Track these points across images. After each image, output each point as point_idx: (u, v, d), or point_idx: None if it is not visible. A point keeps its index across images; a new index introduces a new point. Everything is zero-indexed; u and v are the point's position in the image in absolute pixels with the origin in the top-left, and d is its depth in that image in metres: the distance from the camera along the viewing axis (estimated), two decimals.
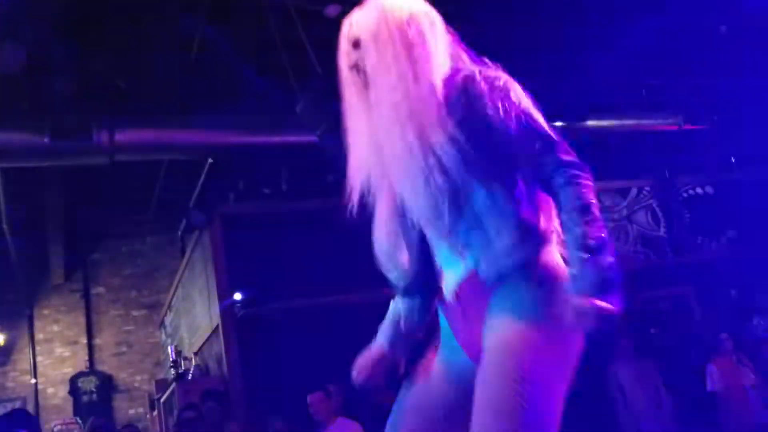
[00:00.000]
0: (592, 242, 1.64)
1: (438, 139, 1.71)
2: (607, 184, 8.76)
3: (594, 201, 1.70)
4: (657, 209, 8.83)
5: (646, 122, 8.41)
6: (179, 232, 9.74)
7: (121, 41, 6.06)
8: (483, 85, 1.76)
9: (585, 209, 1.68)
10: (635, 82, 8.30)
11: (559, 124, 7.73)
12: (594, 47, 7.19)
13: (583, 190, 1.70)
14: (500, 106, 1.73)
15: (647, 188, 8.89)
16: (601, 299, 1.58)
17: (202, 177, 7.65)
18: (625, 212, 8.69)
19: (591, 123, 8.03)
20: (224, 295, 6.77)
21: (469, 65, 1.84)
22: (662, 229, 8.77)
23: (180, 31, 6.02)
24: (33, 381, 10.05)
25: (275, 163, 7.55)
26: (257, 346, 6.72)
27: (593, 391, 7.03)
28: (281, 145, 6.72)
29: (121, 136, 6.11)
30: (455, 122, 1.72)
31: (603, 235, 1.66)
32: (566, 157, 1.74)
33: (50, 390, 10.12)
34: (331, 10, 5.15)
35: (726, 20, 7.09)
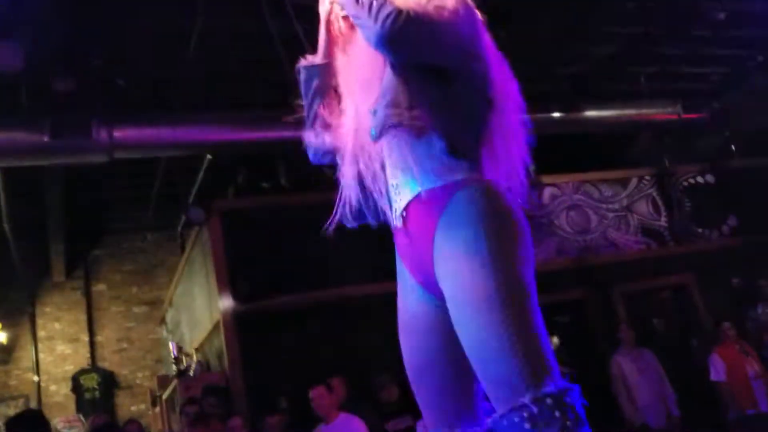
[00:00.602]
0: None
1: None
2: (606, 174, 8.75)
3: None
4: (657, 198, 8.82)
5: (646, 111, 8.38)
6: (179, 228, 9.74)
7: (120, 37, 6.04)
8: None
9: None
10: (634, 72, 8.28)
11: (557, 114, 7.72)
12: (591, 35, 7.17)
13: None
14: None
15: (647, 177, 8.88)
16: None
17: (201, 173, 7.65)
18: (625, 202, 8.67)
19: (590, 113, 8.01)
20: (224, 290, 6.76)
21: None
22: (663, 219, 8.76)
23: (177, 25, 6.00)
24: (35, 378, 10.06)
25: (274, 158, 7.55)
26: (258, 340, 6.71)
27: (596, 384, 7.03)
28: (280, 140, 6.71)
29: (120, 134, 6.11)
30: None
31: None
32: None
33: (52, 387, 10.13)
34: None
35: (724, 7, 7.04)
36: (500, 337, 1.61)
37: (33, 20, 5.28)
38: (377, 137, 1.91)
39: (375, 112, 1.92)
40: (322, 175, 7.48)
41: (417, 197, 1.84)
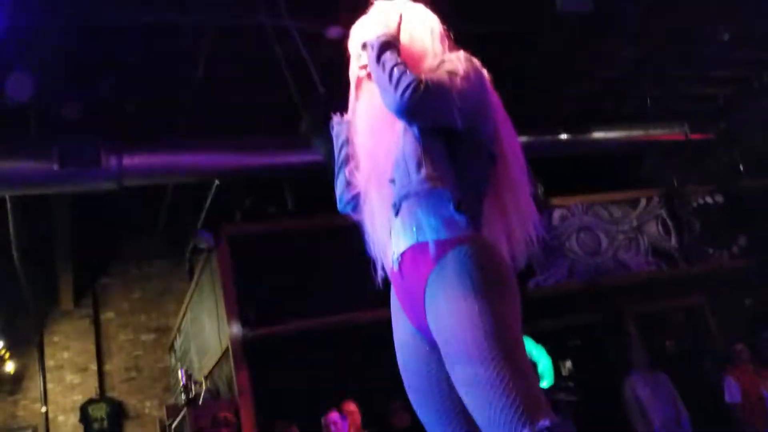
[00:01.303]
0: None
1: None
2: (616, 195, 8.72)
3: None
4: (667, 219, 8.78)
5: (653, 132, 8.38)
6: (187, 255, 9.73)
7: (128, 65, 6.09)
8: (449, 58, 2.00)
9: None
10: (641, 93, 8.29)
11: (565, 136, 7.73)
12: (600, 58, 7.19)
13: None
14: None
15: (656, 198, 8.85)
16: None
17: (209, 198, 7.66)
18: (635, 223, 8.63)
19: (597, 134, 8.01)
20: (233, 316, 6.74)
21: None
22: (673, 239, 8.71)
23: (184, 53, 6.04)
24: (43, 409, 10.01)
25: (281, 183, 7.56)
26: (267, 367, 6.67)
27: (610, 406, 6.96)
28: (287, 165, 6.72)
29: (129, 161, 6.13)
30: None
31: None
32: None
33: (61, 418, 10.07)
34: (333, 32, 5.17)
35: (729, 27, 7.06)
36: (495, 376, 1.68)
37: (42, 48, 5.32)
38: (398, 207, 1.98)
39: (393, 181, 2.00)
40: (329, 200, 7.50)
41: (414, 246, 1.93)
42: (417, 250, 1.91)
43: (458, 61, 1.97)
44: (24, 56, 5.31)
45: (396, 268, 1.99)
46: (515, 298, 1.85)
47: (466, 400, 1.75)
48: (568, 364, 7.78)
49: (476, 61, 2.01)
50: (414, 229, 1.92)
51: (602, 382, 7.51)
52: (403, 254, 1.96)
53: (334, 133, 2.24)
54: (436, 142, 1.94)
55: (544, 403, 1.69)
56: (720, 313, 8.28)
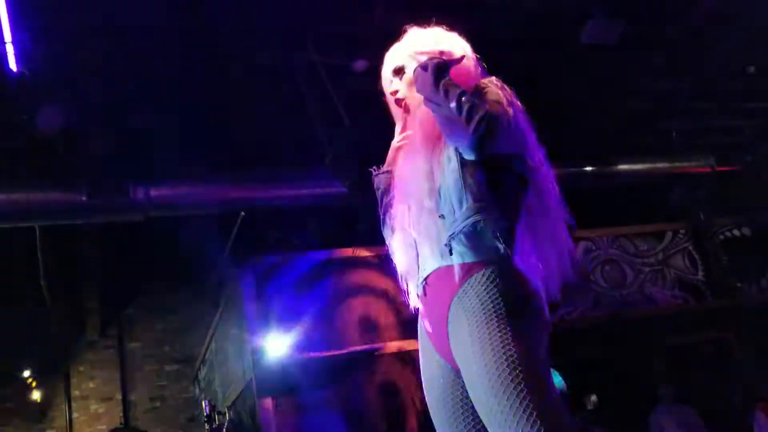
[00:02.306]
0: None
1: (447, 154, 1.95)
2: (641, 228, 8.66)
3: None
4: (694, 252, 8.69)
5: (679, 165, 8.34)
6: (212, 286, 9.78)
7: (155, 98, 6.20)
8: (489, 87, 1.98)
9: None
10: (667, 125, 8.27)
11: (590, 168, 7.71)
12: (624, 91, 7.20)
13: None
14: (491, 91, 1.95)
15: (682, 231, 8.77)
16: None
17: (235, 229, 7.72)
18: (661, 256, 8.55)
19: (623, 167, 7.98)
20: (257, 347, 6.75)
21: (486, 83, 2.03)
22: (700, 273, 8.61)
23: (212, 88, 6.14)
24: None
25: (305, 215, 7.60)
26: (292, 398, 6.66)
27: None
28: (311, 197, 6.77)
29: (156, 193, 6.22)
30: None
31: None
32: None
33: None
34: (359, 65, 5.24)
35: (754, 59, 7.05)
36: (517, 414, 1.65)
37: (70, 81, 5.44)
38: (450, 247, 1.92)
39: (443, 217, 1.95)
40: (353, 232, 7.55)
41: (438, 270, 1.93)
42: (441, 273, 1.91)
43: (497, 88, 1.96)
44: (54, 90, 5.44)
45: (421, 292, 1.99)
46: (541, 325, 1.82)
47: (488, 425, 1.73)
48: (594, 397, 7.67)
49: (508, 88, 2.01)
50: (440, 253, 1.91)
51: (628, 417, 7.39)
52: (427, 278, 1.95)
53: (375, 185, 2.22)
54: (476, 172, 1.90)
55: (571, 430, 1.68)
56: (749, 347, 8.14)
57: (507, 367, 1.69)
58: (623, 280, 8.25)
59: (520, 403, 1.65)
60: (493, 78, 2.03)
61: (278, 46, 5.62)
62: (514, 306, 1.78)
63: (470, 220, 1.86)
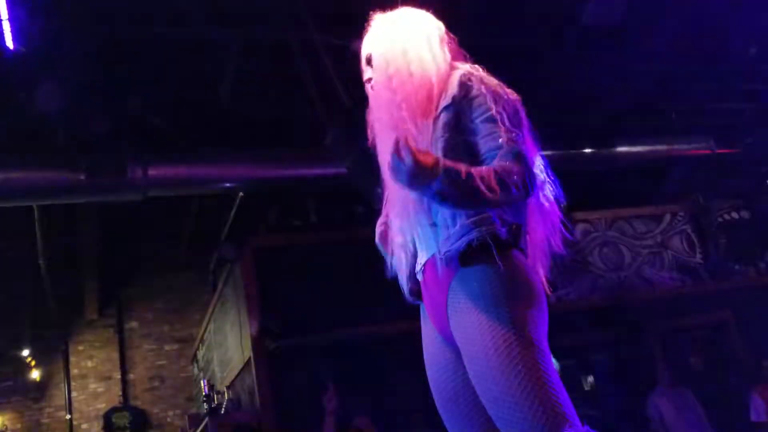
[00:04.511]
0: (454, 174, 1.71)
1: (424, 126, 1.93)
2: (640, 210, 8.66)
3: (481, 185, 1.72)
4: (692, 234, 8.69)
5: (678, 147, 8.32)
6: (210, 266, 9.80)
7: (154, 78, 6.17)
8: (476, 80, 1.94)
9: (483, 171, 1.76)
10: (665, 107, 8.24)
11: (589, 150, 7.69)
12: (622, 72, 7.16)
13: (497, 171, 1.76)
14: (482, 101, 1.90)
15: (681, 213, 8.77)
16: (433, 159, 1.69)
17: (233, 210, 7.71)
18: (659, 238, 8.56)
19: (622, 149, 7.97)
20: (256, 327, 6.77)
21: (465, 66, 2.01)
22: (698, 255, 8.62)
23: (211, 66, 6.11)
24: (68, 417, 10.10)
25: (305, 195, 7.60)
26: (289, 378, 6.69)
27: (634, 424, 6.89)
28: (310, 177, 6.76)
29: (154, 172, 6.20)
30: (440, 112, 1.94)
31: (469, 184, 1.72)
32: (502, 163, 1.81)
33: (84, 426, 10.16)
34: (358, 45, 5.20)
35: (756, 42, 7.01)
36: (514, 390, 1.67)
37: (71, 62, 5.41)
38: (445, 261, 1.91)
39: (435, 225, 1.94)
40: (352, 213, 7.55)
41: (435, 255, 1.92)
42: (438, 258, 1.91)
43: (488, 93, 1.91)
44: (52, 69, 5.41)
45: (421, 277, 1.99)
46: (540, 308, 1.83)
47: (490, 410, 1.75)
48: (590, 379, 7.71)
49: (501, 87, 1.97)
50: (434, 238, 1.92)
51: (625, 398, 7.44)
52: (426, 263, 1.96)
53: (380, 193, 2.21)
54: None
55: (569, 415, 1.67)
56: (746, 330, 8.17)
57: (506, 349, 1.70)
58: (621, 263, 8.26)
59: (519, 384, 1.66)
60: (481, 76, 1.97)
61: (277, 24, 5.58)
62: (513, 289, 1.79)
63: (465, 239, 1.85)
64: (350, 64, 2.19)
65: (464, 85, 1.93)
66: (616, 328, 7.90)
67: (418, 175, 1.65)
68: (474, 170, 1.73)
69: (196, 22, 5.54)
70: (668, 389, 6.96)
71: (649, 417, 6.88)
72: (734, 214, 9.00)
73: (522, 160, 1.81)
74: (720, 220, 8.90)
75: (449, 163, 1.71)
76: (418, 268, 2.00)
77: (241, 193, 7.28)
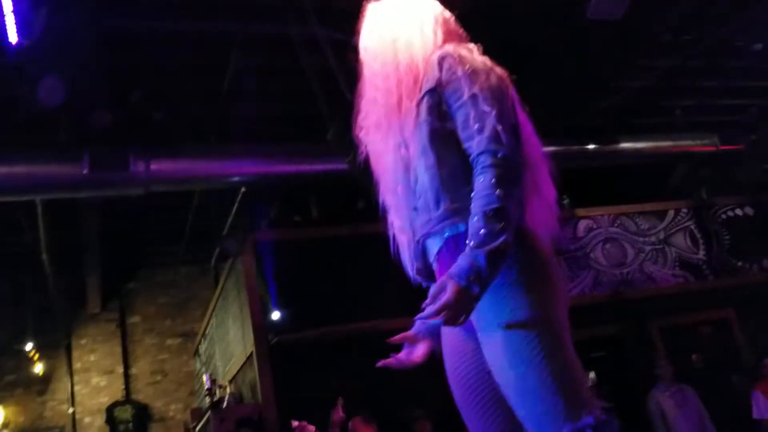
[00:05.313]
0: (481, 232, 1.68)
1: (409, 109, 1.90)
2: (643, 206, 8.64)
3: (500, 190, 1.70)
4: (695, 231, 8.67)
5: (682, 143, 8.30)
6: (212, 261, 9.81)
7: (157, 72, 6.17)
8: (453, 61, 1.87)
9: (485, 198, 1.71)
10: (671, 104, 8.22)
11: (592, 146, 7.68)
12: (627, 68, 7.14)
13: (492, 180, 1.72)
14: (456, 86, 1.85)
15: (685, 210, 8.75)
16: (463, 286, 1.64)
17: (235, 205, 7.71)
18: (662, 235, 8.54)
19: (626, 145, 7.95)
20: (258, 322, 6.77)
21: (448, 47, 1.95)
22: (701, 252, 8.60)
23: (213, 62, 6.11)
24: (70, 410, 10.12)
25: (306, 191, 7.60)
26: (291, 373, 6.69)
27: (635, 420, 6.88)
28: (312, 173, 6.76)
29: (156, 167, 6.21)
30: (423, 95, 1.90)
31: (495, 227, 1.68)
32: (492, 145, 1.76)
33: (87, 419, 10.18)
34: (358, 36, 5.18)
35: (762, 38, 6.99)
36: (535, 374, 1.65)
37: (74, 56, 5.41)
38: (422, 244, 1.92)
39: (416, 209, 1.92)
40: (354, 209, 7.53)
41: (448, 240, 1.87)
42: (451, 243, 1.85)
43: (463, 75, 1.85)
44: (55, 62, 5.40)
45: (436, 267, 1.94)
46: (560, 291, 1.80)
47: (510, 400, 1.72)
48: (592, 375, 7.70)
49: (485, 63, 1.91)
50: (444, 224, 1.86)
51: (626, 395, 7.43)
52: (439, 251, 1.90)
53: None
54: (454, 163, 1.85)
55: (589, 401, 1.65)
56: (748, 327, 8.16)
57: (525, 339, 1.67)
58: (624, 259, 8.25)
59: (539, 374, 1.64)
60: (472, 56, 1.93)
61: (279, 18, 5.57)
62: (531, 275, 1.75)
63: (446, 223, 1.84)
64: (352, 58, 2.18)
65: (441, 66, 1.89)
66: (617, 325, 7.89)
67: (464, 300, 1.65)
68: (480, 225, 1.68)
69: (198, 16, 5.53)
70: (669, 386, 6.95)
71: (650, 413, 6.88)
72: (738, 211, 8.98)
73: (500, 143, 1.75)
74: (723, 217, 8.88)
75: (466, 264, 1.66)
76: (432, 257, 1.94)
77: (243, 188, 7.28)
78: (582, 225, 8.22)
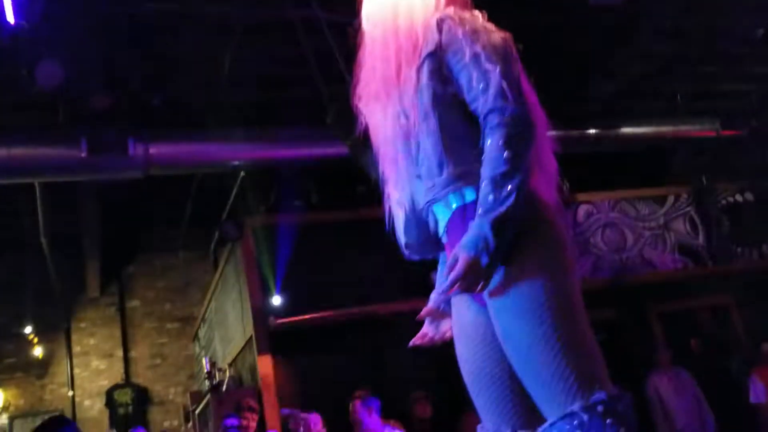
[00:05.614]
0: (489, 198, 1.65)
1: (408, 76, 1.84)
2: (643, 192, 8.63)
3: (508, 152, 1.65)
4: (695, 217, 8.67)
5: (683, 129, 8.28)
6: (212, 246, 9.81)
7: (156, 56, 6.13)
8: (452, 23, 1.82)
9: (493, 162, 1.67)
10: (672, 89, 8.18)
11: (593, 131, 7.66)
12: (628, 53, 7.11)
13: (500, 142, 1.67)
14: (457, 47, 1.79)
15: (685, 195, 8.74)
16: (473, 257, 1.62)
17: (235, 190, 7.70)
18: (662, 220, 8.54)
19: (626, 130, 7.92)
20: (257, 306, 6.79)
21: (449, 10, 1.89)
22: (701, 237, 8.60)
23: (212, 45, 6.07)
24: (70, 393, 10.16)
25: (306, 175, 7.58)
26: (290, 356, 6.71)
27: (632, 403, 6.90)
28: (312, 157, 6.74)
29: (155, 150, 6.19)
30: (423, 60, 1.83)
31: (502, 192, 1.64)
32: (499, 102, 1.71)
33: (87, 402, 10.22)
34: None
35: (763, 23, 6.95)
36: (547, 347, 1.59)
37: (72, 39, 5.37)
38: (426, 212, 1.87)
39: (420, 177, 1.86)
40: (353, 194, 7.51)
41: (456, 211, 1.82)
42: (459, 214, 1.80)
43: (464, 36, 1.79)
44: (53, 45, 5.37)
45: (445, 239, 1.87)
46: (571, 260, 1.73)
47: (518, 369, 1.67)
48: None
49: (485, 26, 1.85)
50: (452, 195, 1.81)
51: (624, 380, 7.44)
52: (448, 223, 1.84)
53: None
54: (458, 127, 1.80)
55: (603, 376, 1.60)
56: (746, 313, 8.18)
57: (536, 303, 1.62)
58: (623, 244, 8.25)
59: (547, 342, 1.59)
60: (477, 21, 1.86)
61: (278, 1, 5.54)
62: (540, 245, 1.69)
63: (450, 189, 1.78)
64: (352, 38, 2.15)
65: (440, 29, 1.83)
66: (616, 309, 7.90)
67: (476, 271, 1.62)
68: (490, 188, 1.64)
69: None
70: (667, 370, 6.97)
71: (647, 398, 6.90)
72: (738, 197, 8.97)
73: (506, 99, 1.69)
74: (723, 202, 8.88)
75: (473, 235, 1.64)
76: (440, 230, 1.88)
77: (242, 173, 7.26)
78: (582, 210, 8.21)
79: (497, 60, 1.75)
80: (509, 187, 1.64)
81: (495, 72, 1.73)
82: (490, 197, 1.64)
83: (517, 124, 1.69)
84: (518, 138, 1.68)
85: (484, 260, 1.62)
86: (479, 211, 1.66)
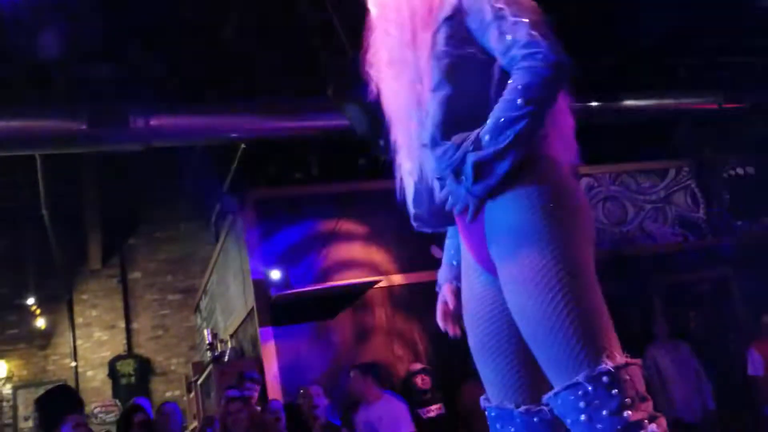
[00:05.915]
0: (486, 138, 1.65)
1: (424, 41, 1.79)
2: (644, 165, 8.62)
3: (522, 99, 1.62)
4: (696, 190, 8.66)
5: (685, 101, 8.23)
6: (213, 218, 9.82)
7: (157, 28, 6.09)
8: None
9: (507, 103, 1.65)
10: (673, 61, 8.13)
11: (595, 103, 7.62)
12: (630, 24, 7.05)
13: (518, 86, 1.64)
14: (479, 6, 1.74)
15: (686, 169, 8.73)
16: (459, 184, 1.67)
17: (235, 162, 7.69)
18: (663, 193, 8.54)
19: (628, 102, 7.89)
20: (258, 278, 6.81)
21: None
22: (701, 211, 8.60)
23: (212, 16, 6.03)
24: (73, 364, 10.24)
25: (307, 147, 7.57)
26: (291, 327, 6.75)
27: None
28: (312, 129, 6.72)
29: (156, 122, 6.17)
30: (440, 24, 1.78)
31: (500, 136, 1.63)
32: (532, 47, 1.66)
33: (89, 373, 10.31)
34: None
35: None
36: (555, 316, 1.57)
37: (72, 10, 5.34)
38: (441, 183, 1.82)
39: (426, 146, 1.81)
40: (355, 166, 7.50)
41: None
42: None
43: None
44: (54, 17, 5.34)
45: (456, 212, 1.82)
46: (586, 221, 1.72)
47: (527, 339, 1.64)
48: None
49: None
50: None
51: (624, 352, 7.49)
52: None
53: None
54: (473, 96, 1.74)
55: (610, 345, 1.58)
56: (746, 286, 8.20)
57: (544, 268, 1.60)
58: (624, 217, 8.26)
59: (555, 308, 1.57)
60: None
61: None
62: (551, 212, 1.65)
63: (460, 153, 1.71)
64: (354, 12, 2.13)
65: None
66: (616, 282, 7.92)
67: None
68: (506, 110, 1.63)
69: None
70: (666, 343, 7.01)
71: (645, 370, 6.95)
72: (740, 170, 8.96)
73: (539, 45, 1.65)
74: (725, 175, 8.86)
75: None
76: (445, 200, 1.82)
77: (243, 145, 7.25)
78: (583, 183, 8.20)
79: (523, 13, 1.71)
80: (508, 132, 1.62)
81: (522, 24, 1.68)
82: (486, 137, 1.64)
83: (548, 68, 1.65)
84: (540, 86, 1.65)
85: (462, 189, 1.67)
86: (471, 147, 1.66)
